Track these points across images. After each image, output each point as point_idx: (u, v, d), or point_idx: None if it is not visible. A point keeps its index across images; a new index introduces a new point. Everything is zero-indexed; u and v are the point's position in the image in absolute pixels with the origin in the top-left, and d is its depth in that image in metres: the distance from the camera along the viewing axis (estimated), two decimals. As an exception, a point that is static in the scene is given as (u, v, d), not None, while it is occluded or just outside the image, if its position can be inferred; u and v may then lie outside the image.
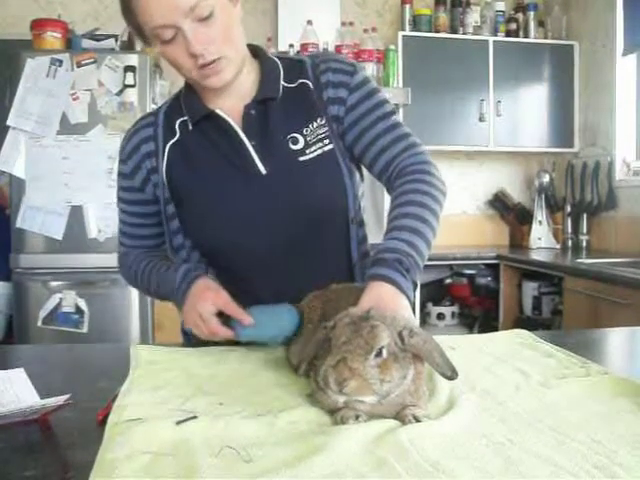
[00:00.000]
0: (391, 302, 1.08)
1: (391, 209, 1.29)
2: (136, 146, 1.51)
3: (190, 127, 1.45)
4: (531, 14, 4.79)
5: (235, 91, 1.42)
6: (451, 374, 0.95)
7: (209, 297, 1.30)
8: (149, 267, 1.52)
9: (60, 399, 0.93)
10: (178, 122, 1.47)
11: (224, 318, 1.27)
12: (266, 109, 1.43)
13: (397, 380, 0.92)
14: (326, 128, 1.43)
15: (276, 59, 1.48)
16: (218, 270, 1.47)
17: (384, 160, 1.41)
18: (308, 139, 1.42)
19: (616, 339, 1.68)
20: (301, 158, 1.41)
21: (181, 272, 1.39)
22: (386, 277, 1.12)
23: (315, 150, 1.42)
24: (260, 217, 1.39)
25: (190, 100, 1.46)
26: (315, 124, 1.43)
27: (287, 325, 1.24)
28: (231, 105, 1.42)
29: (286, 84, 1.45)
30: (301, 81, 1.46)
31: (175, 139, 1.46)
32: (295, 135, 1.42)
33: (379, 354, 0.91)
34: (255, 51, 1.48)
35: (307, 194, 1.40)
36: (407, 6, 4.59)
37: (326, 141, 1.43)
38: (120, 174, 1.57)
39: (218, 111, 1.42)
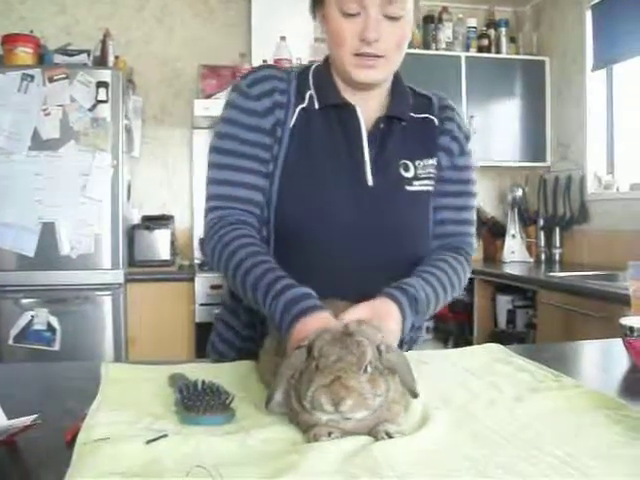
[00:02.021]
0: (385, 317, 1.14)
1: (430, 260, 1.41)
2: (270, 90, 1.40)
3: (316, 105, 1.42)
4: (502, 30, 4.84)
5: (369, 99, 1.43)
6: (416, 392, 0.97)
7: None
8: (247, 264, 1.27)
9: (27, 419, 0.91)
10: (309, 93, 1.43)
11: None
12: (390, 127, 1.44)
13: (385, 393, 0.92)
14: (434, 170, 1.47)
15: (407, 86, 1.50)
16: (285, 247, 1.39)
17: (446, 230, 1.49)
18: (418, 172, 1.44)
19: (589, 352, 1.69)
20: (407, 187, 1.43)
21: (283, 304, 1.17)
22: (396, 299, 1.21)
23: (421, 185, 1.44)
24: (353, 221, 1.38)
25: (325, 82, 1.43)
26: (429, 161, 1.46)
27: None
28: (362, 107, 1.42)
29: (412, 113, 1.47)
30: (427, 116, 1.49)
31: (305, 105, 1.42)
32: (408, 163, 1.44)
33: (366, 369, 0.90)
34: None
35: (400, 220, 1.42)
36: (380, 22, 4.61)
37: (430, 182, 1.46)
38: (246, 111, 1.40)
39: (358, 110, 1.40)
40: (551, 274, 3.91)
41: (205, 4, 4.71)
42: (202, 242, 1.36)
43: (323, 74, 1.45)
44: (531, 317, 4.01)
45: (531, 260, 4.70)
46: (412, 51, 4.46)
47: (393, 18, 1.30)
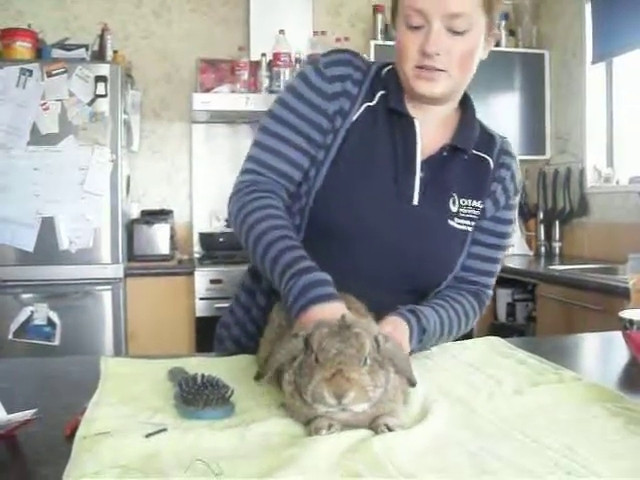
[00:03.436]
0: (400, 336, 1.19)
1: (448, 297, 1.41)
2: (344, 76, 1.39)
3: (385, 107, 1.40)
4: (502, 23, 4.82)
5: (432, 116, 1.42)
6: (414, 381, 0.98)
7: None
8: (270, 235, 1.25)
9: (27, 414, 0.91)
10: (379, 94, 1.41)
11: None
12: (451, 157, 1.42)
13: (385, 385, 0.92)
14: (479, 212, 1.45)
15: (477, 118, 1.50)
16: (314, 238, 1.36)
17: (468, 277, 1.47)
18: (461, 210, 1.42)
19: (589, 345, 1.69)
20: (449, 221, 1.41)
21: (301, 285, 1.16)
22: (410, 324, 1.25)
23: (461, 224, 1.42)
24: (387, 235, 1.36)
25: (395, 86, 1.40)
26: (476, 202, 1.44)
27: None
28: (419, 117, 1.40)
29: (475, 150, 1.45)
30: (486, 156, 1.47)
31: (373, 104, 1.40)
32: (455, 197, 1.41)
33: (365, 361, 0.91)
34: (464, 99, 1.49)
35: (435, 248, 1.40)
36: (379, 15, 4.62)
37: (471, 223, 1.44)
38: (314, 88, 1.38)
39: (416, 122, 1.39)
40: (551, 267, 3.91)
41: (203, -2, 4.70)
42: (230, 198, 1.30)
43: (395, 78, 1.41)
44: (531, 310, 4.01)
45: (531, 253, 4.70)
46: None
47: (457, 32, 1.28)
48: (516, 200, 1.53)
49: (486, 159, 1.47)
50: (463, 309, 1.42)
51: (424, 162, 1.39)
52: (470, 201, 1.43)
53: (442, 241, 1.41)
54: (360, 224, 1.35)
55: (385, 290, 1.37)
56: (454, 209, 1.41)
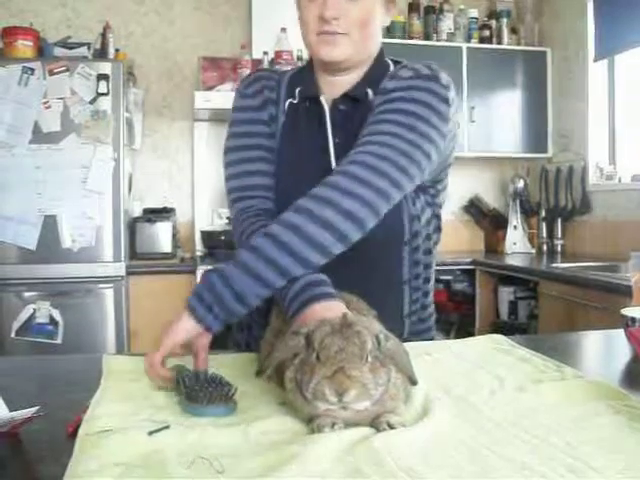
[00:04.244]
0: None
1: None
2: (261, 89, 1.51)
3: (297, 98, 1.48)
4: (504, 21, 4.83)
5: (342, 82, 1.45)
6: (415, 379, 0.98)
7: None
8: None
9: (29, 411, 0.91)
10: (298, 89, 1.49)
11: None
12: (352, 109, 1.44)
13: (386, 383, 0.92)
14: None
15: (391, 63, 1.48)
16: None
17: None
18: None
19: (591, 342, 1.69)
20: None
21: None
22: None
23: None
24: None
25: (307, 76, 1.50)
26: None
27: None
28: (332, 95, 1.46)
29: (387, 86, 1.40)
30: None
31: (295, 100, 1.49)
32: None
33: (367, 359, 0.91)
34: (379, 54, 1.49)
35: None
36: (381, 13, 4.61)
37: None
38: (244, 108, 1.52)
39: (322, 97, 1.45)
40: (553, 265, 3.91)
41: (205, -4, 4.70)
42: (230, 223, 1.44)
43: (307, 69, 1.53)
44: (533, 308, 4.01)
45: (533, 251, 4.70)
46: (413, 42, 4.46)
47: None
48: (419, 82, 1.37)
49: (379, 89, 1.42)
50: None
51: (333, 128, 1.43)
52: None
53: None
54: None
55: (366, 273, 1.40)
56: None
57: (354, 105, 1.44)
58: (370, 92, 1.42)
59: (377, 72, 1.45)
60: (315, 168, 1.40)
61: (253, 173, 1.45)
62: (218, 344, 1.70)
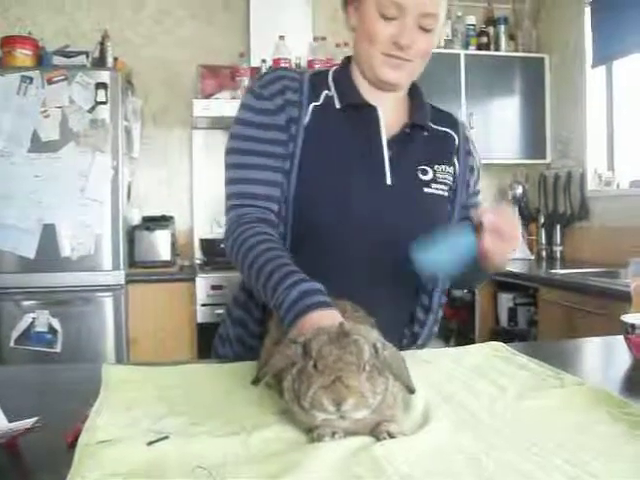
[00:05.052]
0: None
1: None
2: (281, 90, 1.44)
3: (337, 105, 1.47)
4: (502, 28, 4.84)
5: (388, 101, 1.48)
6: (413, 388, 0.97)
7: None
8: (262, 259, 1.27)
9: (28, 422, 0.91)
10: (324, 94, 1.47)
11: None
12: (411, 134, 1.50)
13: (384, 391, 0.92)
14: (452, 178, 1.54)
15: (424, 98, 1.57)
16: (302, 245, 1.41)
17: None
18: (437, 176, 1.51)
19: (591, 349, 1.69)
20: (425, 189, 1.48)
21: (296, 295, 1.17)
22: None
23: (437, 189, 1.50)
24: (370, 219, 1.41)
25: (346, 82, 1.49)
26: (447, 168, 1.54)
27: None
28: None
29: (433, 125, 1.54)
30: (448, 131, 1.58)
31: (319, 103, 1.46)
32: (426, 168, 1.50)
33: (364, 368, 0.90)
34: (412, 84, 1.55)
35: (416, 220, 1.43)
36: (379, 21, 4.63)
37: (447, 188, 1.52)
38: (257, 110, 1.44)
39: (379, 109, 1.46)
40: (552, 271, 3.91)
41: (203, 4, 4.70)
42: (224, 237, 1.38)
43: (344, 76, 1.50)
44: (532, 315, 4.01)
45: (532, 257, 4.69)
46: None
47: (425, 30, 1.38)
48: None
49: (450, 134, 1.58)
50: None
51: (389, 141, 1.46)
52: (444, 167, 1.53)
53: (424, 211, 1.47)
54: (341, 217, 1.39)
55: (382, 277, 1.43)
56: (426, 178, 1.49)
57: (414, 130, 1.50)
58: (431, 125, 1.54)
59: (421, 101, 1.55)
60: (365, 179, 1.42)
61: (256, 181, 1.41)
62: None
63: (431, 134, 1.53)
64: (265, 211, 1.40)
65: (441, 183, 1.51)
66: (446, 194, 1.52)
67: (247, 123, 1.45)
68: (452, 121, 1.61)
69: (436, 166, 1.51)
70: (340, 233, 1.40)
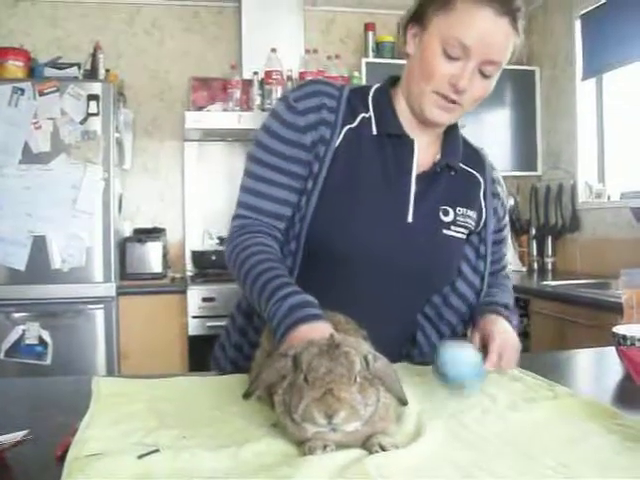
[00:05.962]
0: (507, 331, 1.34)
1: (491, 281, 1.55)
2: (318, 107, 1.38)
3: (374, 131, 1.41)
4: (492, 40, 4.85)
5: (425, 136, 1.44)
6: (405, 400, 0.97)
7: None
8: (257, 269, 1.27)
9: (18, 435, 0.90)
10: (360, 116, 1.41)
11: None
12: (439, 172, 1.46)
13: (375, 403, 0.92)
14: (473, 222, 1.50)
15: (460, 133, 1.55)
16: (312, 263, 1.39)
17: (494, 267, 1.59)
18: (457, 218, 1.46)
19: (582, 361, 1.69)
20: (445, 231, 1.44)
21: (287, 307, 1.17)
22: (501, 313, 1.40)
23: (456, 232, 1.46)
24: (385, 253, 1.38)
25: (387, 108, 1.43)
26: (469, 211, 1.49)
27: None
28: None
29: (461, 164, 1.50)
30: (475, 173, 1.54)
31: (354, 125, 1.40)
32: (448, 209, 1.45)
33: (355, 380, 0.90)
34: None
35: (431, 261, 1.43)
36: (370, 33, 4.66)
37: (466, 231, 1.49)
38: (287, 123, 1.38)
39: (416, 144, 1.41)
40: (544, 283, 3.91)
41: (195, 17, 4.72)
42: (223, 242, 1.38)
43: (385, 99, 1.44)
44: (524, 326, 4.00)
45: (524, 269, 4.70)
46: (401, 61, 4.46)
47: (485, 75, 1.34)
48: (507, 215, 1.65)
49: (474, 174, 1.53)
50: (507, 285, 1.60)
51: (418, 177, 1.42)
52: (465, 210, 1.48)
53: (440, 253, 1.45)
54: (356, 246, 1.36)
55: (386, 308, 1.42)
56: (447, 219, 1.45)
57: (443, 168, 1.46)
58: (463, 166, 1.51)
59: (456, 136, 1.53)
60: (388, 212, 1.40)
61: (268, 197, 1.38)
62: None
63: (457, 173, 1.49)
64: (271, 228, 1.38)
65: (460, 226, 1.47)
66: (464, 237, 1.49)
67: (273, 135, 1.39)
68: (479, 160, 1.57)
69: (458, 208, 1.46)
70: (351, 261, 1.37)
